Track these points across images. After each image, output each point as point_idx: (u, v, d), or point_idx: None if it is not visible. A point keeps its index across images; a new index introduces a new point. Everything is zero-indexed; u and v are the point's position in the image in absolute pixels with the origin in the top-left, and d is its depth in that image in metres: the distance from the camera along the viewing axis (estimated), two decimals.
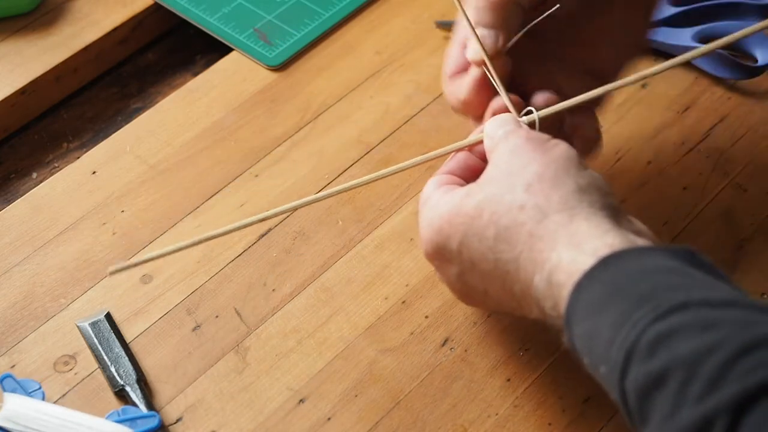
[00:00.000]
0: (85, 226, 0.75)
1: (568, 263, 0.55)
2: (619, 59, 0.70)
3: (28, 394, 0.66)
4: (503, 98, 0.66)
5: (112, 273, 0.62)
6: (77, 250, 0.74)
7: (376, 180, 0.67)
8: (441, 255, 0.62)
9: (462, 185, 0.63)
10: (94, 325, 0.69)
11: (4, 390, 0.66)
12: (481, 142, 0.65)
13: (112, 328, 0.69)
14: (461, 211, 0.60)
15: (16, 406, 0.64)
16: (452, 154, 0.67)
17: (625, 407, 0.50)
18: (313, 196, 0.68)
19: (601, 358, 0.52)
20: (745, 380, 0.45)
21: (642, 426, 0.49)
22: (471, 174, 0.65)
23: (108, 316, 0.69)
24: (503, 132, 0.63)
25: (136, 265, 0.65)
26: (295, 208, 0.73)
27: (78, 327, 0.69)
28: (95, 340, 0.68)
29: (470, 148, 0.66)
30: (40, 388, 0.66)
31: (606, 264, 0.53)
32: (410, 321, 0.71)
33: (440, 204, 0.61)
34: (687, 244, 0.55)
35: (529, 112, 0.65)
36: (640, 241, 0.56)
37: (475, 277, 0.61)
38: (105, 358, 0.67)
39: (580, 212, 0.57)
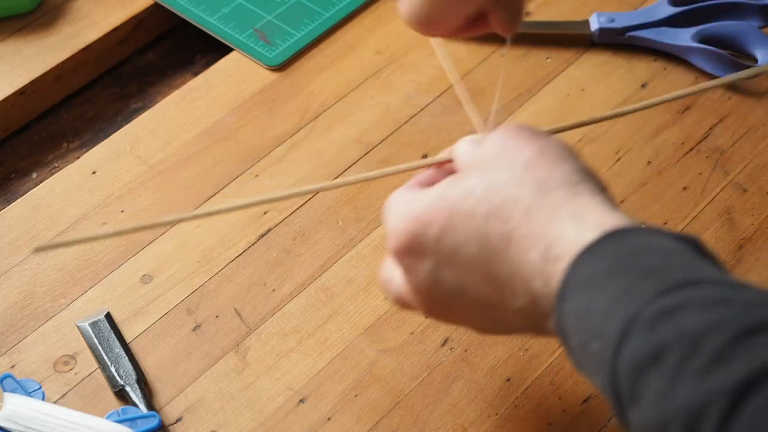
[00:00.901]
0: (85, 226, 0.75)
1: (571, 237, 0.51)
2: None
3: (28, 394, 0.66)
4: (472, 117, 0.64)
5: (37, 251, 0.59)
6: (77, 250, 0.74)
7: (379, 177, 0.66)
8: (414, 247, 0.56)
9: None
10: (94, 325, 0.69)
11: (4, 390, 0.66)
12: (449, 160, 0.61)
13: (112, 328, 0.69)
14: (444, 196, 0.55)
15: (16, 406, 0.64)
16: (418, 171, 0.63)
17: (613, 388, 0.46)
18: (328, 183, 0.65)
19: (594, 334, 0.48)
20: (750, 362, 0.42)
21: (632, 406, 0.46)
22: None
23: (108, 316, 0.69)
24: (478, 146, 0.58)
25: (65, 244, 0.62)
26: (304, 194, 0.72)
27: (78, 327, 0.69)
28: (95, 340, 0.68)
29: (438, 165, 0.62)
30: (40, 388, 0.66)
31: (611, 238, 0.50)
32: (410, 321, 0.71)
33: (415, 200, 0.57)
34: (693, 234, 0.52)
35: None
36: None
37: (452, 271, 0.56)
38: (105, 358, 0.67)
39: (584, 190, 0.53)
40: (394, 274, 0.59)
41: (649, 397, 0.44)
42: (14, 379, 0.66)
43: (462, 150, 0.59)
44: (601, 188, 0.55)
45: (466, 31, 0.63)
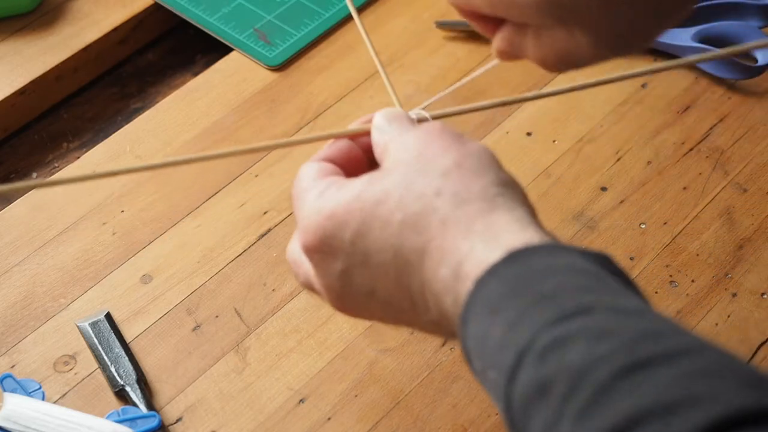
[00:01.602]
0: (85, 226, 0.75)
1: (479, 255, 0.49)
2: (600, 49, 0.58)
3: (28, 394, 0.66)
4: (392, 96, 0.62)
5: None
6: (77, 250, 0.74)
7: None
8: (326, 246, 0.54)
9: (340, 175, 0.57)
10: (94, 325, 0.69)
11: (4, 390, 0.66)
12: (367, 132, 0.58)
13: (111, 328, 0.69)
14: (362, 196, 0.53)
15: (16, 406, 0.64)
16: (332, 140, 0.60)
17: (508, 418, 0.45)
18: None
19: (491, 361, 0.46)
20: (626, 404, 0.40)
21: None
22: (351, 164, 0.59)
23: (108, 316, 0.69)
24: (398, 126, 0.57)
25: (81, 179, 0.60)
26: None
27: (78, 327, 0.69)
28: (95, 340, 0.68)
29: (354, 137, 0.59)
30: (40, 388, 0.66)
31: (513, 259, 0.48)
32: None
33: (331, 192, 0.54)
34: (603, 251, 0.50)
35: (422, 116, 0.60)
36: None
37: (364, 274, 0.54)
38: (105, 358, 0.67)
39: (502, 204, 0.51)
40: (303, 259, 0.57)
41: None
42: (14, 379, 0.66)
43: (379, 125, 0.57)
44: (521, 201, 0.52)
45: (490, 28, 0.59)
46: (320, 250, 0.54)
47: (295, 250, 0.57)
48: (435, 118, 0.60)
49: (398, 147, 0.55)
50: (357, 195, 0.53)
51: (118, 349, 0.68)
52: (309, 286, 0.57)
